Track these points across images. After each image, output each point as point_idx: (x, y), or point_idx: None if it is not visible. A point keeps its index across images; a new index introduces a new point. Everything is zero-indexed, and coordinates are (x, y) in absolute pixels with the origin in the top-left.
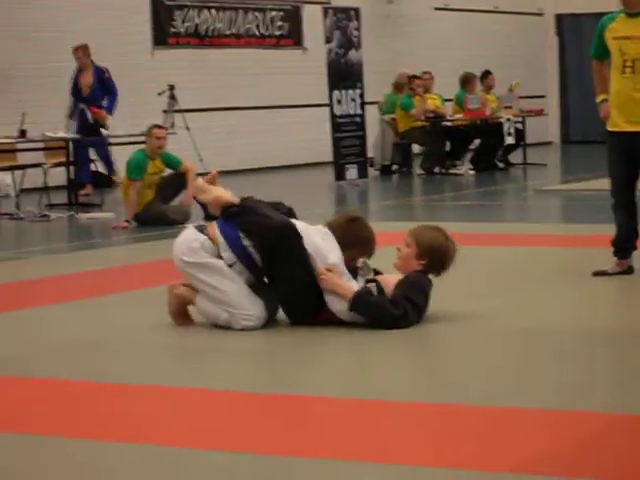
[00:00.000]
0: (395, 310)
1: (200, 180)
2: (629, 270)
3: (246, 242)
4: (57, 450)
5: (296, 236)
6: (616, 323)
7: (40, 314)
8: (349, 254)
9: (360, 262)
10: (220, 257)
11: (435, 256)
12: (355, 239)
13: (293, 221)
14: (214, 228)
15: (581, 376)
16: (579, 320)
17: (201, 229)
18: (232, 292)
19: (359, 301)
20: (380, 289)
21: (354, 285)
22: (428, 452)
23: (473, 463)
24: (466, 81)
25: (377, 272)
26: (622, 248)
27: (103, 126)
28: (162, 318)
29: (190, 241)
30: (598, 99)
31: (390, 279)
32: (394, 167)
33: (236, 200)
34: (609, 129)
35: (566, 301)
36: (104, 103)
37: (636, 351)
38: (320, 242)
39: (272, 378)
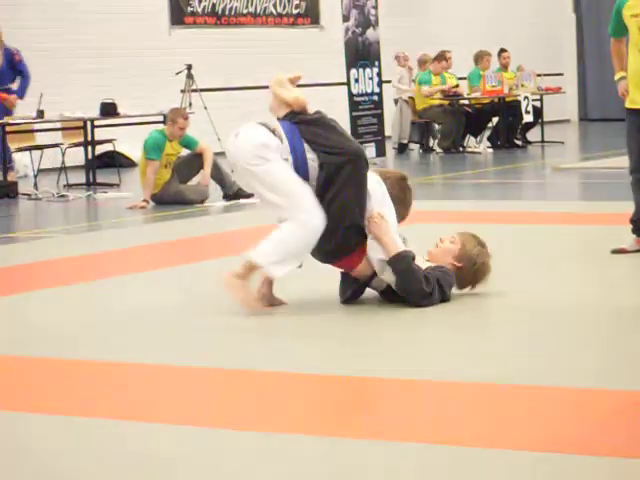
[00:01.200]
0: (426, 286)
1: (282, 75)
2: None
3: (310, 155)
4: (91, 431)
5: (366, 166)
6: (636, 301)
7: (59, 294)
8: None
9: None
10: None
11: (471, 268)
12: (402, 198)
13: None
14: (278, 127)
15: (603, 354)
16: (599, 298)
17: (265, 125)
18: (298, 191)
19: (401, 260)
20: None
21: (401, 243)
22: (444, 430)
23: (490, 442)
24: (479, 59)
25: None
26: None
27: (10, 112)
28: (182, 297)
29: (256, 138)
30: (616, 77)
31: (419, 263)
32: (410, 145)
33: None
34: (627, 106)
35: (586, 279)
36: (15, 86)
37: None
38: (378, 187)
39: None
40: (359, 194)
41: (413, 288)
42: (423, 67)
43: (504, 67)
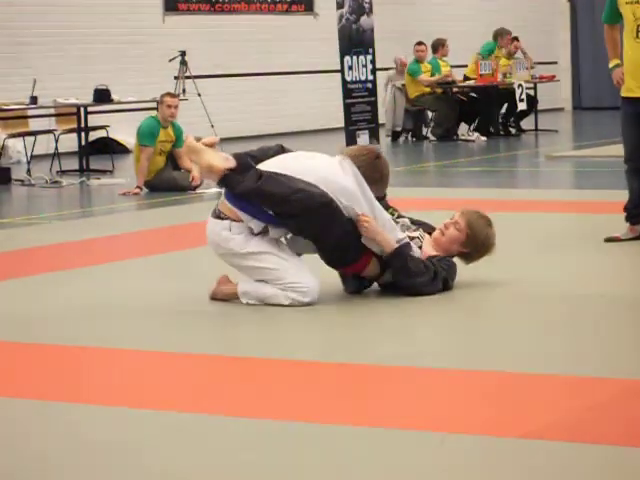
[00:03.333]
0: (426, 276)
1: (192, 140)
2: None
3: (270, 212)
4: (79, 417)
5: (332, 209)
6: (631, 289)
7: (51, 280)
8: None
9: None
10: (250, 229)
11: (479, 252)
12: (379, 176)
13: (323, 175)
14: (226, 205)
15: (598, 341)
16: (593, 286)
17: (218, 215)
18: (282, 268)
19: (397, 257)
20: (420, 246)
21: (397, 234)
22: (442, 417)
23: (488, 429)
24: (499, 36)
25: (400, 215)
26: (635, 214)
27: None
28: (174, 284)
29: (217, 233)
30: (610, 64)
31: (426, 249)
32: (404, 133)
33: (230, 163)
34: (623, 95)
35: (580, 267)
36: None
37: None
38: (354, 188)
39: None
40: (338, 226)
41: (413, 282)
42: (442, 51)
43: (510, 54)
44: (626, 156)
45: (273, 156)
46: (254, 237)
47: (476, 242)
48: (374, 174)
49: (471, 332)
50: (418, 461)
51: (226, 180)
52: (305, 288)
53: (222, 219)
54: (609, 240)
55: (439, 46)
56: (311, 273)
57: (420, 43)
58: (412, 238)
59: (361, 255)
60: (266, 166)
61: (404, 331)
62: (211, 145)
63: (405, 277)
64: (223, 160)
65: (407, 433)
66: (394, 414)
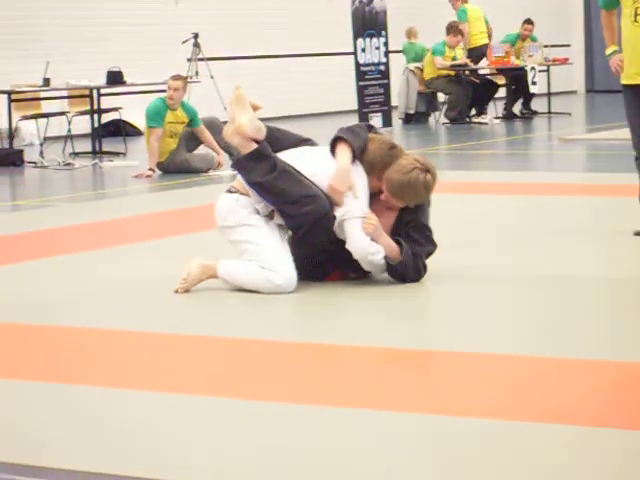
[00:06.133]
0: (422, 271)
1: (243, 92)
2: None
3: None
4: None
5: (328, 221)
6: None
7: (65, 262)
8: (382, 181)
9: None
10: (257, 210)
11: (414, 199)
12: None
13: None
14: (240, 181)
15: (609, 325)
16: (606, 270)
17: (229, 190)
18: (267, 244)
19: (401, 264)
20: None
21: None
22: (451, 401)
23: (498, 413)
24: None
25: None
26: None
27: None
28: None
29: (224, 205)
30: (608, 51)
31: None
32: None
33: (259, 135)
34: (623, 82)
35: (592, 251)
36: None
37: None
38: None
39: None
40: (324, 227)
41: (412, 278)
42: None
43: (523, 38)
44: (635, 143)
45: (292, 144)
46: (257, 215)
47: (403, 195)
48: (386, 165)
49: (472, 316)
50: (415, 445)
51: (239, 165)
52: (283, 271)
53: (232, 193)
54: (639, 234)
55: (457, 33)
56: (292, 265)
57: (455, 33)
58: None
59: (330, 273)
60: (283, 156)
61: (412, 314)
62: (255, 108)
63: (401, 279)
64: (255, 130)
65: (406, 415)
66: (396, 397)
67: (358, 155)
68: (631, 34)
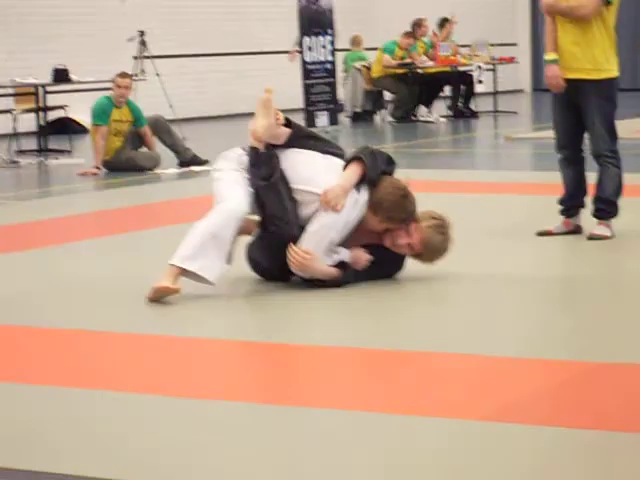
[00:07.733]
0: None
1: (270, 98)
2: (577, 230)
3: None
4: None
5: (286, 244)
6: (589, 271)
7: (8, 260)
8: (385, 223)
9: None
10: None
11: (431, 259)
12: (405, 216)
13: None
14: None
15: (554, 324)
16: (549, 269)
17: (243, 148)
18: (224, 181)
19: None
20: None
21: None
22: (405, 400)
23: (448, 411)
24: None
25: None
26: (570, 206)
27: None
28: (136, 264)
29: (230, 152)
30: (548, 57)
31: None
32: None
33: (277, 141)
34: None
35: (537, 250)
36: None
37: (614, 298)
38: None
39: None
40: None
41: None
42: (420, 32)
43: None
44: (558, 145)
45: (311, 146)
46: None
47: (430, 255)
48: (398, 213)
49: (422, 315)
50: (383, 444)
51: (249, 155)
52: (233, 197)
53: (243, 150)
54: (541, 234)
55: (416, 27)
56: (243, 198)
57: (409, 36)
58: None
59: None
60: (292, 153)
61: (361, 315)
62: (277, 117)
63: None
64: (270, 137)
65: (370, 415)
66: (353, 396)
67: (368, 186)
68: (563, 35)
